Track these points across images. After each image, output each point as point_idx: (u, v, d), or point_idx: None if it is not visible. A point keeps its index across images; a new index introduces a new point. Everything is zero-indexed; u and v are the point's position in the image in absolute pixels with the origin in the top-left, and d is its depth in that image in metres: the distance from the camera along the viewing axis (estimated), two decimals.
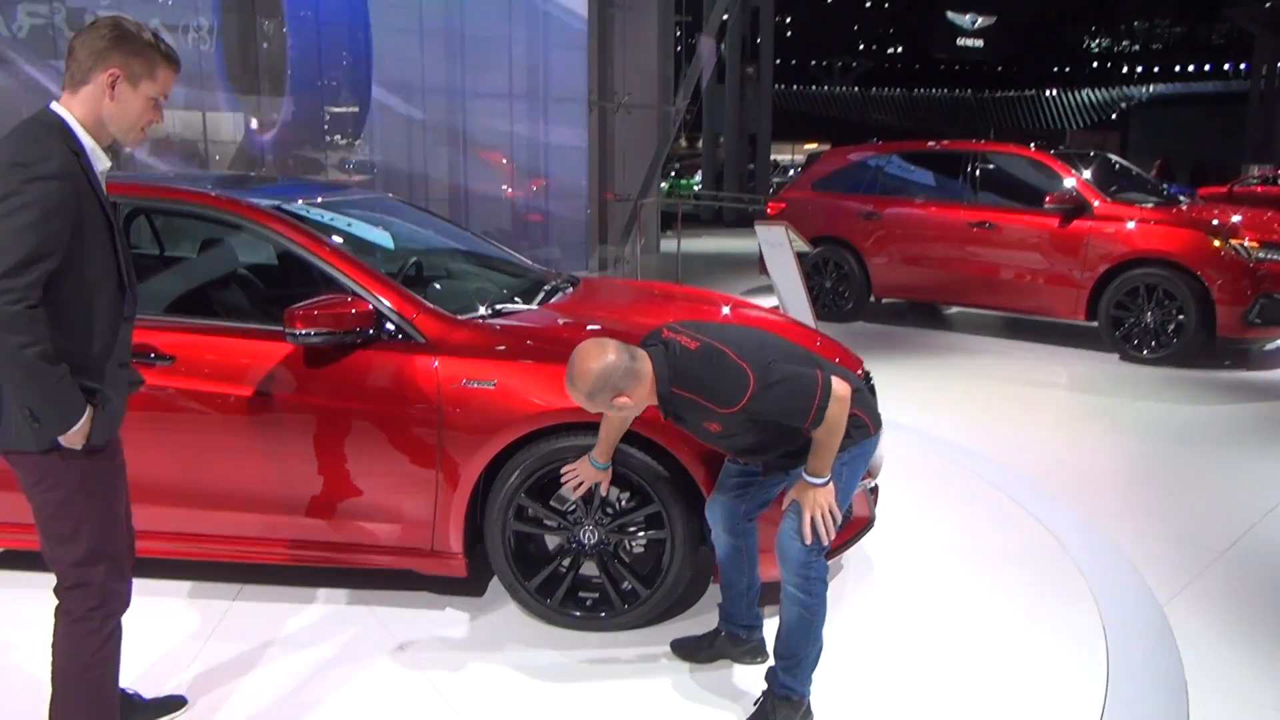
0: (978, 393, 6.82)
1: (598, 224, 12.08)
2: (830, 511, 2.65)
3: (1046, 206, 8.17)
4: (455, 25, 10.78)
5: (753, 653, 3.21)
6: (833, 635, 2.89)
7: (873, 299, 9.57)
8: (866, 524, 3.66)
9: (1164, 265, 7.65)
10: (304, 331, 3.21)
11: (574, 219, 12.08)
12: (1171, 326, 7.63)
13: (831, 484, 2.65)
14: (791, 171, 37.69)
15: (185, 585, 3.67)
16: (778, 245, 7.38)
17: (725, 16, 12.77)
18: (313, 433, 3.37)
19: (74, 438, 2.25)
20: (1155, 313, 7.69)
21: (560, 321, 3.75)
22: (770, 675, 2.85)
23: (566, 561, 3.40)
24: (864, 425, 2.79)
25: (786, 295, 7.42)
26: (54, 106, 2.31)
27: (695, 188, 31.31)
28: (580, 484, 3.08)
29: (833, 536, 2.70)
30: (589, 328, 3.64)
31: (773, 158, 31.46)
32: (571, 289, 4.32)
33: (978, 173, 8.83)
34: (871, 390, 3.87)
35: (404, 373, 3.32)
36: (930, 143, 9.75)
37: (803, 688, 2.81)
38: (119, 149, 2.50)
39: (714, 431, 2.68)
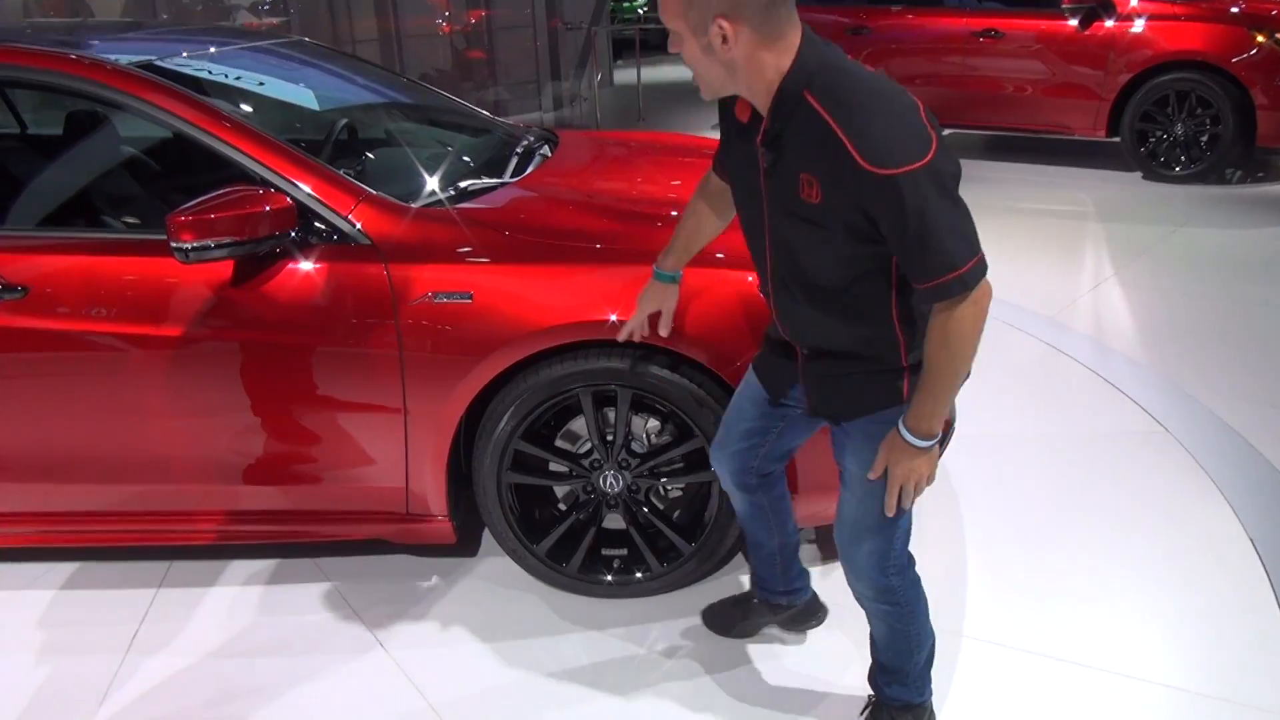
0: (1001, 229, 6.05)
1: (549, 58, 10.83)
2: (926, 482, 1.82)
3: (1063, 8, 7.20)
4: None
5: (799, 618, 2.53)
6: (928, 584, 2.17)
7: None
8: (947, 429, 2.94)
9: (1197, 68, 6.79)
10: (197, 244, 2.30)
11: (521, 54, 10.81)
12: (1204, 138, 6.85)
13: (936, 448, 1.77)
14: None
15: (97, 572, 2.89)
16: None
17: None
18: (233, 377, 2.52)
19: None
20: (1187, 124, 6.88)
21: (550, 199, 2.86)
22: (874, 681, 2.17)
23: (583, 516, 2.66)
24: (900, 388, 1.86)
25: None
26: None
27: (640, 10, 29.31)
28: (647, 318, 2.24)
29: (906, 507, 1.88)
30: (594, 205, 2.78)
31: None
32: (549, 149, 3.40)
33: None
34: None
35: (345, 288, 2.46)
36: None
37: (919, 695, 2.13)
38: None
39: (804, 200, 1.67)
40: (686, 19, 1.63)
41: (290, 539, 2.73)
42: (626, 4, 31.73)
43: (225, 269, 2.46)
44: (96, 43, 3.19)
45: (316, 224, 2.48)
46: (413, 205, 2.59)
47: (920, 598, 2.05)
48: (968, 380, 1.96)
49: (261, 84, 3.43)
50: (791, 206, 1.70)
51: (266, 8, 10.53)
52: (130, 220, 3.20)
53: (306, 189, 2.48)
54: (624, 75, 14.07)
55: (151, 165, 3.57)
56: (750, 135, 1.74)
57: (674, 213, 2.68)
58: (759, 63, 1.62)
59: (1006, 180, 7.39)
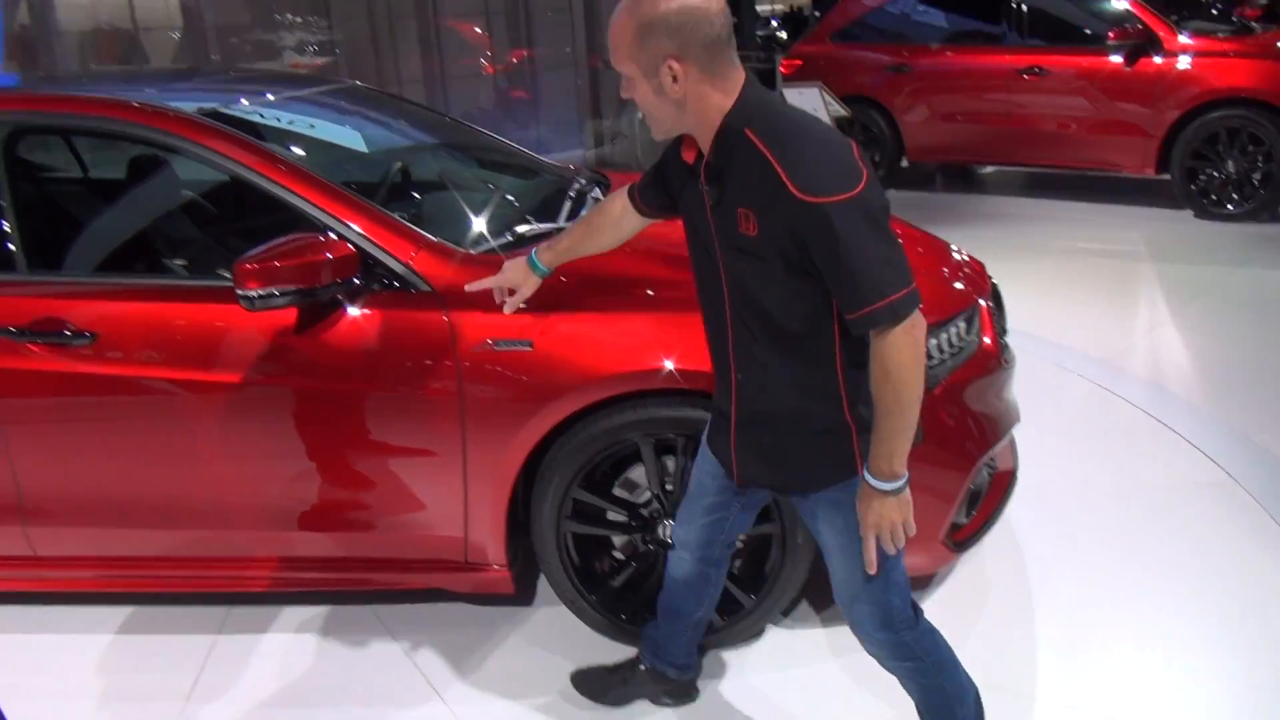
0: (1050, 270, 5.97)
1: (590, 96, 10.92)
2: (903, 529, 1.78)
3: (1109, 44, 7.15)
4: None
5: (677, 694, 2.45)
6: (990, 640, 2.11)
7: (905, 163, 8.60)
8: (1010, 480, 2.88)
9: (1247, 105, 6.69)
10: (262, 292, 2.32)
11: (562, 93, 10.91)
12: (1257, 176, 6.74)
13: (908, 490, 1.75)
14: (774, 22, 35.68)
15: (157, 617, 2.88)
16: (810, 110, 6.38)
17: None
18: (293, 424, 2.53)
19: None
20: (1238, 161, 6.78)
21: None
22: None
23: (642, 567, 2.62)
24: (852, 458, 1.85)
25: None
26: None
27: None
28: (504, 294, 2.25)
29: (895, 551, 1.81)
30: (649, 251, 2.76)
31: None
32: (600, 192, 3.40)
33: (1023, 10, 7.74)
34: (999, 304, 3.05)
35: (406, 335, 2.46)
36: None
37: None
38: None
39: (742, 234, 1.72)
40: (638, 62, 1.70)
41: (348, 587, 2.72)
42: None
43: (288, 315, 2.47)
44: (156, 90, 3.25)
45: (377, 270, 2.49)
46: (471, 251, 2.59)
47: (940, 647, 2.00)
48: (1022, 425, 1.91)
49: (317, 128, 3.48)
50: (734, 240, 1.76)
51: (313, 49, 10.72)
52: (191, 265, 3.24)
53: (367, 235, 2.49)
54: None
55: (211, 209, 3.62)
56: (696, 175, 1.81)
57: None
58: (705, 100, 1.71)
59: (1053, 219, 7.31)
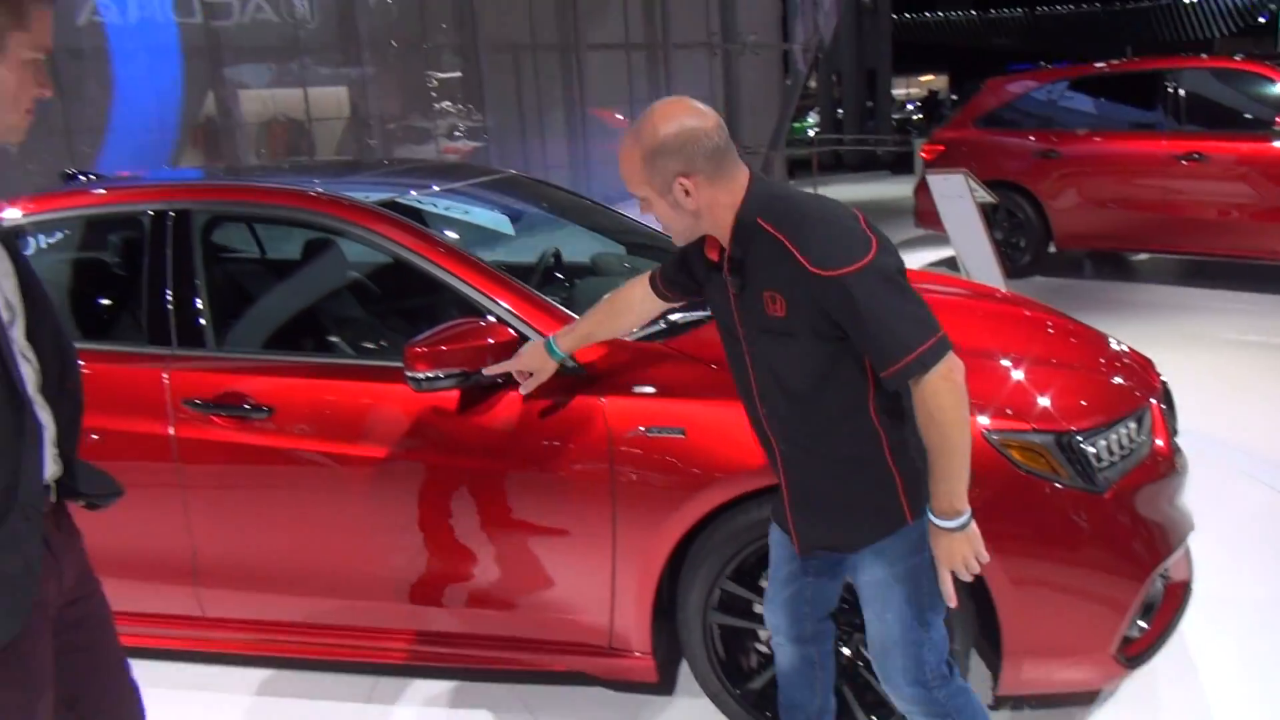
0: (1211, 364, 5.66)
1: None
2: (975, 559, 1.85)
3: (1275, 129, 6.84)
4: None
5: None
6: None
7: (1052, 250, 8.36)
8: (1185, 592, 2.70)
9: None
10: (430, 375, 2.42)
11: None
12: None
13: (973, 524, 1.82)
14: (909, 106, 35.49)
15: (309, 682, 2.97)
16: (956, 197, 6.33)
17: None
18: (449, 501, 2.60)
19: None
20: None
21: None
22: None
23: None
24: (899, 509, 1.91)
25: (968, 255, 6.37)
26: None
27: (809, 131, 29.80)
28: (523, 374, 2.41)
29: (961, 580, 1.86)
30: None
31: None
32: None
33: (1179, 94, 7.50)
34: (1169, 403, 2.90)
35: (560, 418, 2.51)
36: (1101, 64, 8.45)
37: None
38: None
39: (770, 315, 1.83)
40: (652, 185, 1.84)
41: (492, 665, 2.75)
42: (796, 124, 32.48)
43: (451, 396, 2.56)
44: (330, 180, 3.46)
45: None
46: (626, 337, 2.64)
47: (971, 707, 1.98)
48: (1195, 532, 1.80)
49: (476, 215, 3.64)
50: (762, 323, 1.87)
51: (463, 135, 11.27)
52: (356, 343, 3.40)
53: (522, 317, 2.57)
54: None
55: (375, 290, 3.81)
56: (720, 269, 1.92)
57: None
58: (717, 204, 1.84)
59: (1216, 310, 6.95)
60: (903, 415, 1.86)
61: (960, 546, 1.83)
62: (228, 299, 3.25)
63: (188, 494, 2.76)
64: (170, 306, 2.81)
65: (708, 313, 2.94)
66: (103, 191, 3.16)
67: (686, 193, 1.81)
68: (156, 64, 7.76)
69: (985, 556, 1.86)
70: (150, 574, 2.87)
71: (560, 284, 3.55)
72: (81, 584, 1.70)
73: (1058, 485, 2.33)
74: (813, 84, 25.06)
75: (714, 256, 1.94)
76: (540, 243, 3.73)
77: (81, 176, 3.56)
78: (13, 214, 3.09)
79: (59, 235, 3.44)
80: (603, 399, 2.49)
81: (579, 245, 3.81)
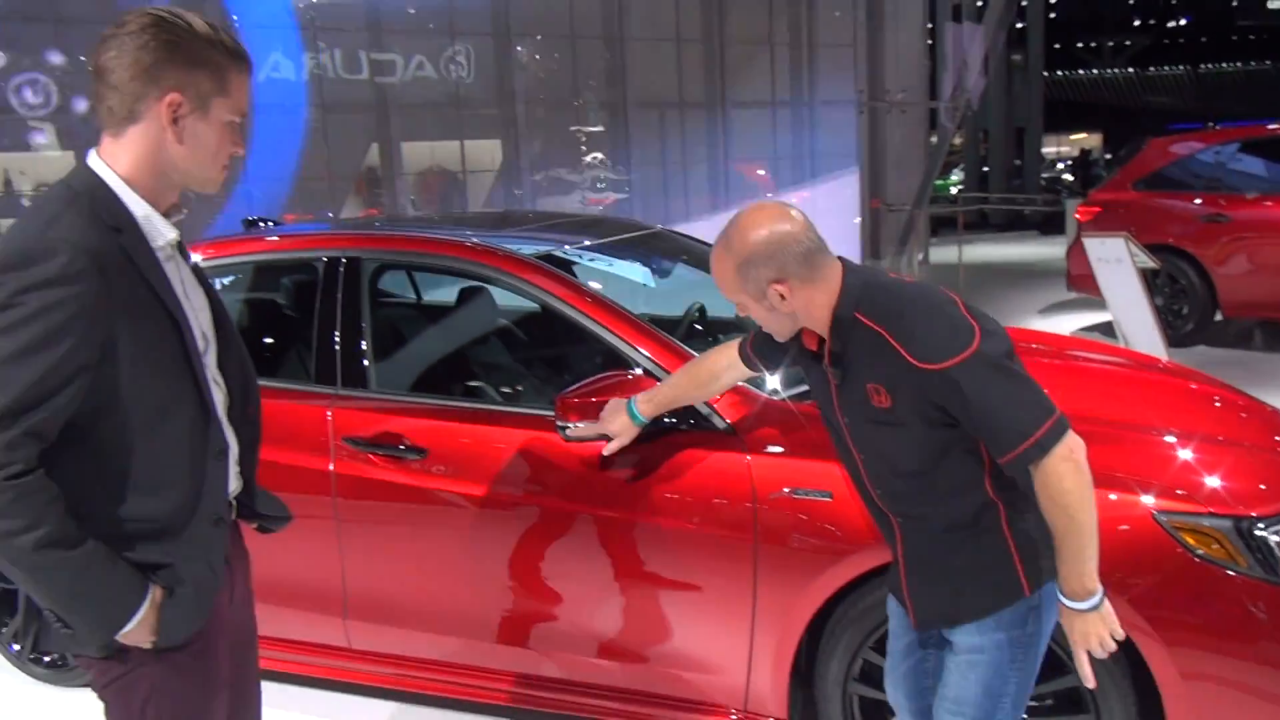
0: None
1: (868, 237, 10.99)
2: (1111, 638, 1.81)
3: None
4: (713, 31, 10.08)
5: None
6: None
7: (1219, 318, 7.91)
8: None
9: None
10: (580, 425, 2.47)
11: (840, 232, 11.03)
12: None
13: (1106, 603, 1.79)
14: (1060, 165, 34.40)
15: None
16: (1114, 261, 6.07)
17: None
18: (590, 550, 2.63)
19: (135, 636, 1.57)
20: None
21: None
22: None
23: None
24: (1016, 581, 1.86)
25: (1127, 321, 6.09)
26: (91, 160, 1.59)
27: (953, 188, 29.24)
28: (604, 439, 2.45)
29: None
30: None
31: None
32: None
33: None
34: None
35: (706, 474, 2.51)
36: (1276, 125, 8.01)
37: None
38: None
39: (875, 407, 1.82)
40: (747, 292, 1.86)
41: (621, 718, 2.73)
42: (940, 181, 31.93)
43: (597, 447, 2.59)
44: (488, 232, 3.58)
45: (681, 408, 2.57)
46: (775, 395, 2.62)
47: None
48: None
49: (623, 268, 3.71)
50: (867, 414, 1.86)
51: (607, 187, 11.54)
52: (503, 388, 3.50)
53: (668, 371, 2.58)
54: (938, 253, 13.97)
55: (522, 337, 3.92)
56: (819, 359, 1.91)
57: None
58: (813, 304, 1.84)
59: None
60: (1018, 486, 1.82)
61: (1095, 626, 1.79)
62: (388, 342, 3.40)
63: (343, 528, 2.88)
64: (337, 348, 2.95)
65: None
66: (280, 238, 3.37)
67: (782, 297, 1.82)
68: (288, 119, 8.22)
69: (1120, 634, 1.82)
70: (305, 603, 2.99)
71: (704, 338, 3.57)
72: (245, 602, 1.87)
73: (1235, 574, 2.19)
74: (958, 141, 24.67)
75: (812, 346, 1.93)
76: (685, 297, 3.77)
77: (261, 223, 3.80)
78: (196, 257, 3.32)
79: (238, 277, 3.69)
80: (749, 456, 2.48)
81: (723, 300, 3.83)
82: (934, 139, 13.10)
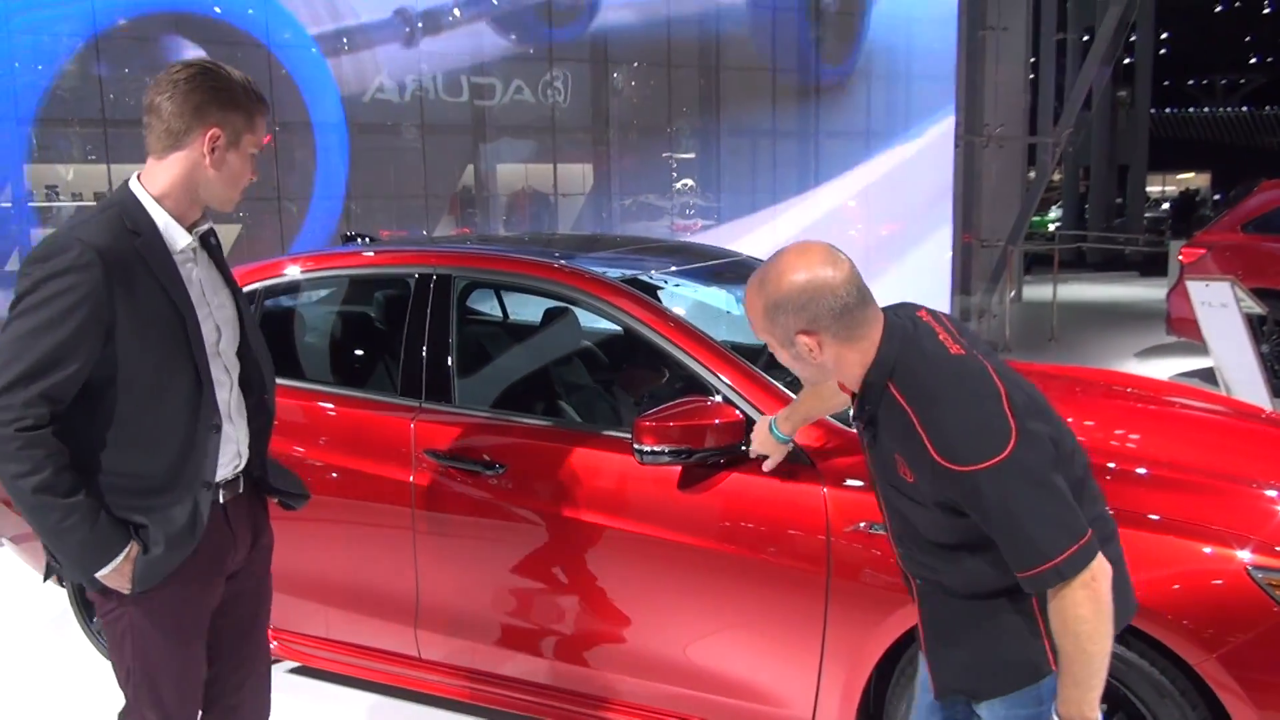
0: None
1: (960, 271, 10.79)
2: None
3: None
4: (809, 61, 10.09)
5: None
6: None
7: None
8: None
9: None
10: (656, 449, 2.48)
11: (929, 266, 10.87)
12: None
13: None
14: (1165, 205, 33.26)
15: None
16: (1219, 306, 5.85)
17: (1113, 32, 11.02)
18: (660, 574, 2.63)
19: (114, 580, 1.88)
20: None
21: None
22: None
23: None
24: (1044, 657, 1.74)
25: (1230, 368, 5.86)
26: (131, 180, 1.94)
27: (1050, 225, 28.52)
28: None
29: None
30: None
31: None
32: None
33: None
34: None
35: (781, 505, 2.49)
36: None
37: None
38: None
39: (900, 477, 1.73)
40: (773, 335, 1.75)
41: None
42: (1037, 218, 31.20)
43: (673, 472, 2.60)
44: (575, 254, 3.62)
45: None
46: (855, 429, 2.59)
47: None
48: None
49: (708, 294, 3.72)
50: (892, 480, 1.78)
51: (693, 213, 11.58)
52: (581, 409, 3.53)
53: (746, 396, 2.58)
54: (1032, 290, 13.64)
55: (603, 359, 3.95)
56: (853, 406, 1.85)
57: (1141, 470, 2.47)
58: (846, 361, 1.74)
59: None
60: None
61: None
62: (473, 358, 3.47)
63: (419, 539, 2.93)
64: (423, 362, 3.03)
65: None
66: (375, 254, 3.47)
67: (810, 349, 1.72)
68: (389, 139, 8.45)
69: None
70: (378, 610, 3.06)
71: (785, 368, 3.54)
72: (248, 569, 2.15)
73: None
74: (1057, 177, 24.10)
75: (845, 391, 1.87)
76: None
77: (358, 238, 3.92)
78: (293, 270, 3.45)
79: (335, 289, 3.81)
80: (825, 489, 2.46)
81: None
82: (1032, 174, 12.84)
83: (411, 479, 2.91)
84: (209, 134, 1.89)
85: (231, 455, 2.04)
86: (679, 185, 10.50)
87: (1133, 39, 22.83)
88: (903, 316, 1.80)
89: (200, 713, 2.09)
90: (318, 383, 3.38)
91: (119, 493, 1.88)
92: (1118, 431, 2.92)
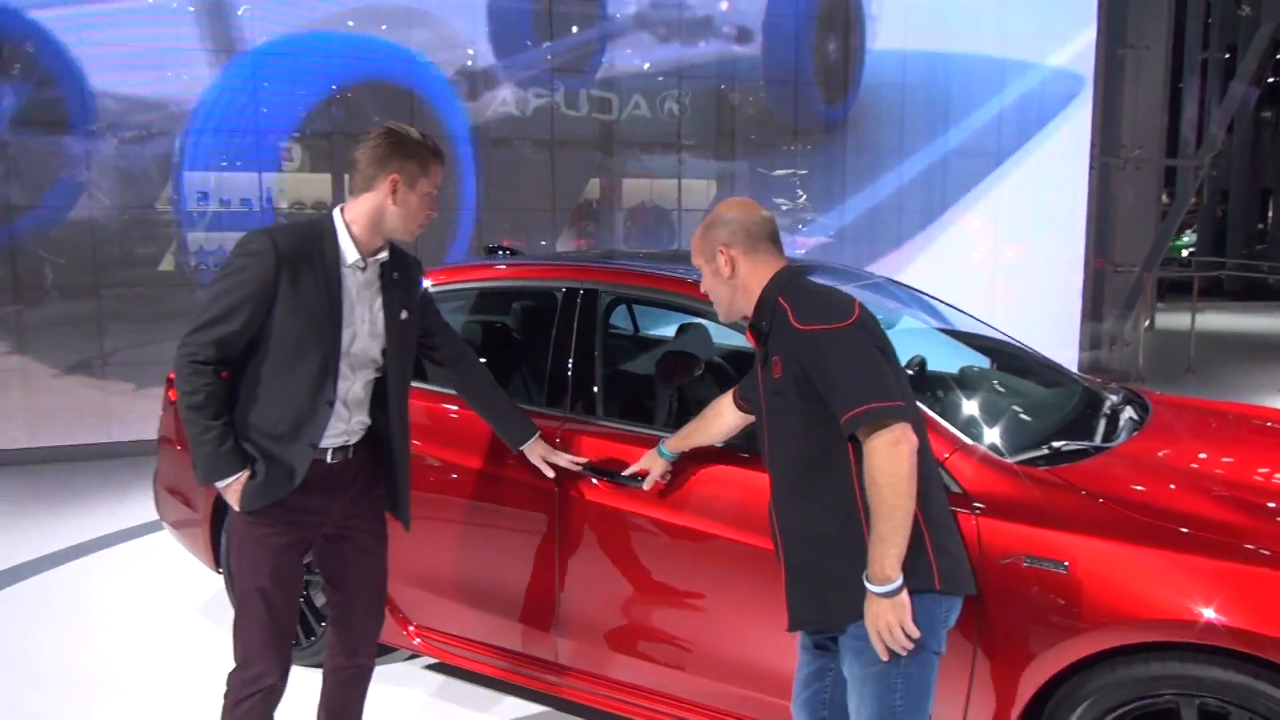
0: None
1: (1090, 297, 10.41)
2: (902, 630, 2.00)
3: None
4: (940, 78, 9.90)
5: None
6: None
7: None
8: None
9: None
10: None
11: (1056, 291, 10.51)
12: None
13: (905, 595, 1.99)
14: None
15: None
16: None
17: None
18: None
19: (229, 495, 2.41)
20: None
21: (1152, 473, 2.66)
22: None
23: None
24: (928, 568, 2.06)
25: None
26: (336, 209, 2.48)
27: (1184, 250, 27.28)
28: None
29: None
30: (1201, 487, 2.53)
31: None
32: (1134, 412, 3.19)
33: None
34: None
35: None
36: None
37: None
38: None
39: (774, 378, 2.16)
40: (703, 253, 2.27)
41: None
42: (1173, 242, 29.88)
43: None
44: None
45: None
46: (1007, 459, 2.54)
47: None
48: None
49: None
50: (769, 385, 2.19)
51: (806, 229, 11.46)
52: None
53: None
54: (1165, 319, 13.07)
55: (736, 377, 3.95)
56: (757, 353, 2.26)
57: None
58: (750, 281, 2.23)
59: None
60: None
61: (886, 613, 1.98)
62: (615, 372, 3.52)
63: (562, 546, 2.99)
64: (569, 374, 3.09)
65: (1097, 442, 2.80)
66: (524, 266, 3.56)
67: (728, 262, 2.21)
68: (515, 153, 8.66)
69: (914, 631, 1.99)
70: (518, 614, 3.13)
71: (921, 392, 3.49)
72: (356, 518, 2.61)
73: None
74: (1192, 200, 22.96)
75: (752, 341, 2.27)
76: (907, 349, 3.70)
77: (501, 250, 4.03)
78: (428, 281, 3.55)
79: (470, 300, 3.90)
80: (977, 519, 2.41)
81: (945, 356, 3.74)
82: (1166, 198, 12.31)
83: (557, 488, 2.97)
84: (390, 179, 2.40)
85: (340, 431, 2.50)
86: (800, 201, 10.44)
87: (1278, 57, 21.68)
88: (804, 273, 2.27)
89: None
90: (448, 387, 3.40)
91: (248, 430, 2.41)
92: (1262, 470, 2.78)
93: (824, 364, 2.03)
